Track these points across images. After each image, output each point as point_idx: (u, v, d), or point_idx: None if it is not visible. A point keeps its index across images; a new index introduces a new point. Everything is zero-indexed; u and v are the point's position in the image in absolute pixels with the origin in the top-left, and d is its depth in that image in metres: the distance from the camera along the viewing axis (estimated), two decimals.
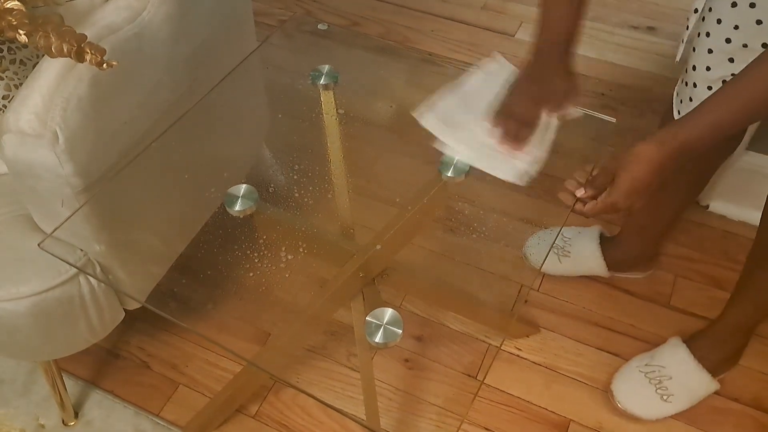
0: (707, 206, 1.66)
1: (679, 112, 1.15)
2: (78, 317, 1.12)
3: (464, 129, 1.06)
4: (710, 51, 1.02)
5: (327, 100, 1.20)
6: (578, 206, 0.91)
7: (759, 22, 0.94)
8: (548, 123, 1.04)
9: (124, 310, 1.22)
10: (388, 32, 2.16)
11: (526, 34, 2.13)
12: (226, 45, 1.26)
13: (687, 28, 1.11)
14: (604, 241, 1.50)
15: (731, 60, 1.00)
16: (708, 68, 1.04)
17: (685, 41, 1.12)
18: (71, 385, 1.37)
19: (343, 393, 1.37)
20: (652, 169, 0.83)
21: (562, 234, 1.53)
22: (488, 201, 1.66)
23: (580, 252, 1.50)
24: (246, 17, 1.32)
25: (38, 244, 0.98)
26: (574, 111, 1.04)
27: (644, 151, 0.83)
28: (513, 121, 1.02)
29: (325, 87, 1.18)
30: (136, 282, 1.20)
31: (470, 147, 1.05)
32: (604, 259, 1.48)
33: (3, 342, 1.15)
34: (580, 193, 0.90)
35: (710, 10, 1.01)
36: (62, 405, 1.32)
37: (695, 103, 1.10)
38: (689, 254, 1.58)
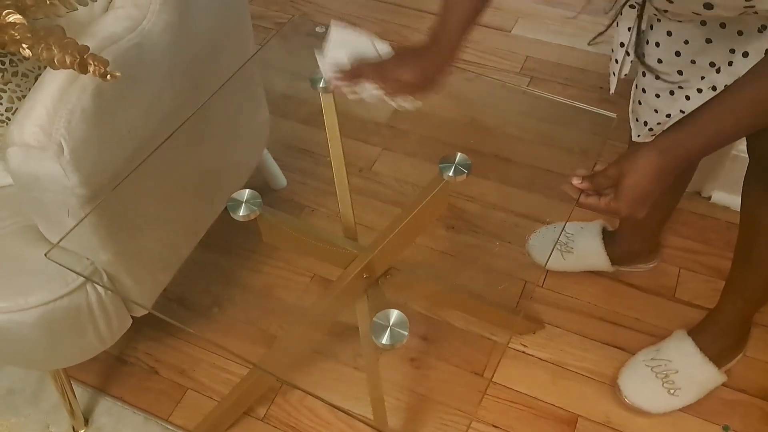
0: (710, 197, 1.66)
1: (632, 111, 1.15)
2: (86, 326, 1.12)
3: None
4: (660, 61, 1.01)
5: (327, 102, 1.20)
6: (582, 198, 0.91)
7: (708, 41, 0.92)
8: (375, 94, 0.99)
9: (131, 316, 1.23)
10: (385, 32, 2.16)
11: (522, 30, 2.13)
12: (225, 50, 1.26)
13: (617, 62, 1.08)
14: (607, 236, 1.50)
15: (680, 72, 0.99)
16: (656, 77, 1.04)
17: (616, 74, 1.09)
18: (80, 393, 1.38)
19: (350, 394, 1.37)
20: (655, 177, 0.83)
21: (564, 230, 1.54)
22: (490, 199, 1.67)
23: (583, 248, 1.50)
24: (244, 22, 1.32)
25: (45, 254, 0.99)
26: (410, 102, 1.00)
27: (646, 160, 0.83)
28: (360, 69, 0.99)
29: (325, 90, 1.18)
30: (142, 289, 1.20)
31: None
32: (607, 254, 1.48)
33: (13, 353, 1.15)
34: (577, 181, 0.90)
35: (659, 20, 0.98)
36: (72, 413, 1.33)
37: (644, 107, 1.10)
38: (693, 246, 1.58)
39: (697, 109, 0.82)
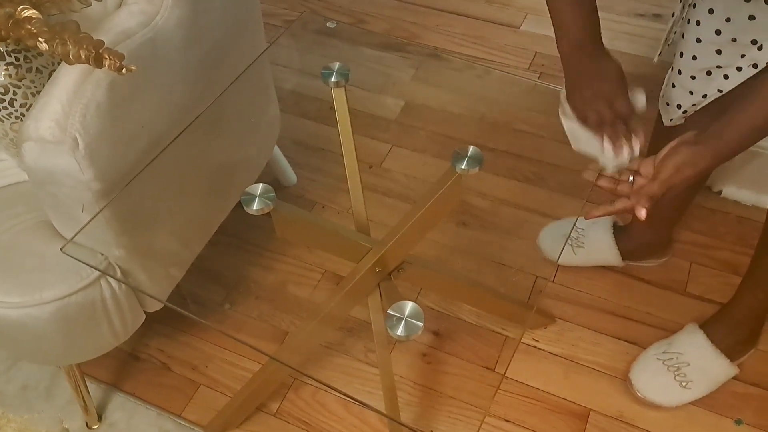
0: (720, 192, 1.65)
1: (662, 96, 1.15)
2: (100, 321, 1.13)
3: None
4: (698, 40, 1.01)
5: (339, 97, 1.20)
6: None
7: (752, 17, 0.92)
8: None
9: (144, 312, 1.23)
10: (393, 28, 2.17)
11: (531, 26, 2.13)
12: (237, 47, 1.26)
13: (673, 31, 1.10)
14: (617, 230, 1.50)
15: (719, 52, 0.99)
16: (694, 57, 1.04)
17: (668, 41, 1.11)
18: (93, 389, 1.38)
19: (362, 389, 1.38)
20: (699, 173, 0.86)
21: (575, 225, 1.54)
22: (500, 194, 1.67)
23: (594, 242, 1.50)
24: (255, 19, 1.33)
25: (61, 249, 0.99)
26: (640, 95, 1.00)
27: (696, 158, 0.85)
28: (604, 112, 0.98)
29: (337, 84, 1.19)
30: (155, 284, 1.21)
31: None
32: (618, 249, 1.48)
33: (28, 348, 1.16)
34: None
35: None
36: (86, 408, 1.33)
37: (678, 90, 1.10)
38: (704, 241, 1.58)
39: (734, 108, 0.83)
